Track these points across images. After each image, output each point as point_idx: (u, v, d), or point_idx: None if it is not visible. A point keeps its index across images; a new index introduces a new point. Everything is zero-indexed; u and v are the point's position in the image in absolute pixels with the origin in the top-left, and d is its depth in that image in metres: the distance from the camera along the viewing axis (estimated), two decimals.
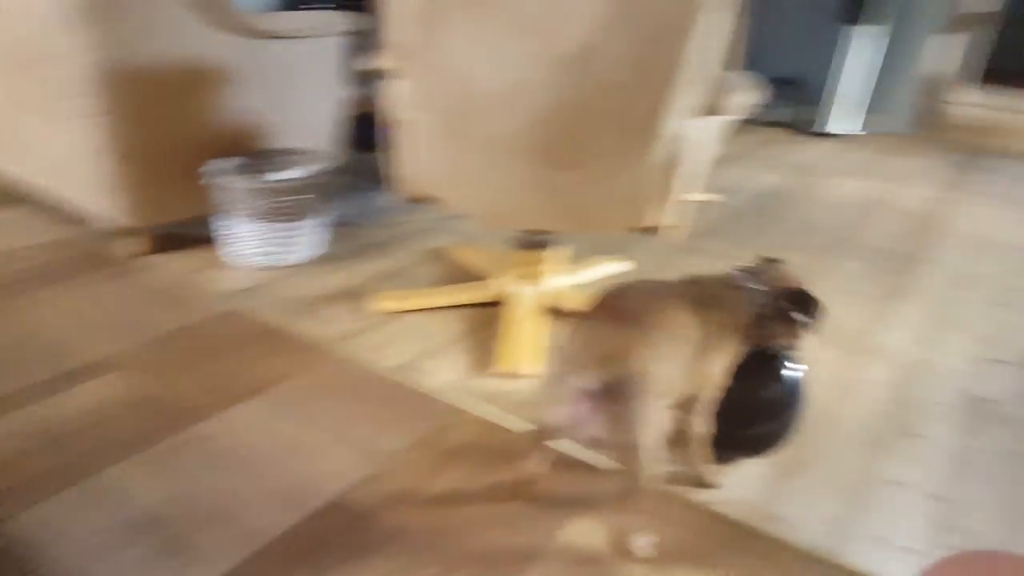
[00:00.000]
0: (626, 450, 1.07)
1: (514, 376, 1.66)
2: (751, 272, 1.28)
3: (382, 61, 1.57)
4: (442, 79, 1.50)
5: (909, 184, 3.52)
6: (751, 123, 4.56)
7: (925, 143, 4.44)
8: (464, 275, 2.13)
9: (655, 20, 1.33)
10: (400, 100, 1.60)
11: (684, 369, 1.17)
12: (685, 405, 1.27)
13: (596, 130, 1.45)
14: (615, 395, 1.03)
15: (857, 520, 1.32)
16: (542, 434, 1.24)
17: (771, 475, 1.42)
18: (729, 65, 1.43)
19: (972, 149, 4.42)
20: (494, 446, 1.43)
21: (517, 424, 1.49)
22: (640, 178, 1.51)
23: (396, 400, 1.55)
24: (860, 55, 4.23)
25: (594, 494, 1.32)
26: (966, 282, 2.41)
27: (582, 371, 1.04)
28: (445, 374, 1.66)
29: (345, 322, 1.83)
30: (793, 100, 4.63)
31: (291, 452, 1.37)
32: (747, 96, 1.57)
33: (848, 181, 3.49)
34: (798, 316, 1.25)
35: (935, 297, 2.28)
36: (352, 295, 1.97)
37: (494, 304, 1.95)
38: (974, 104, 6.08)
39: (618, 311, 1.11)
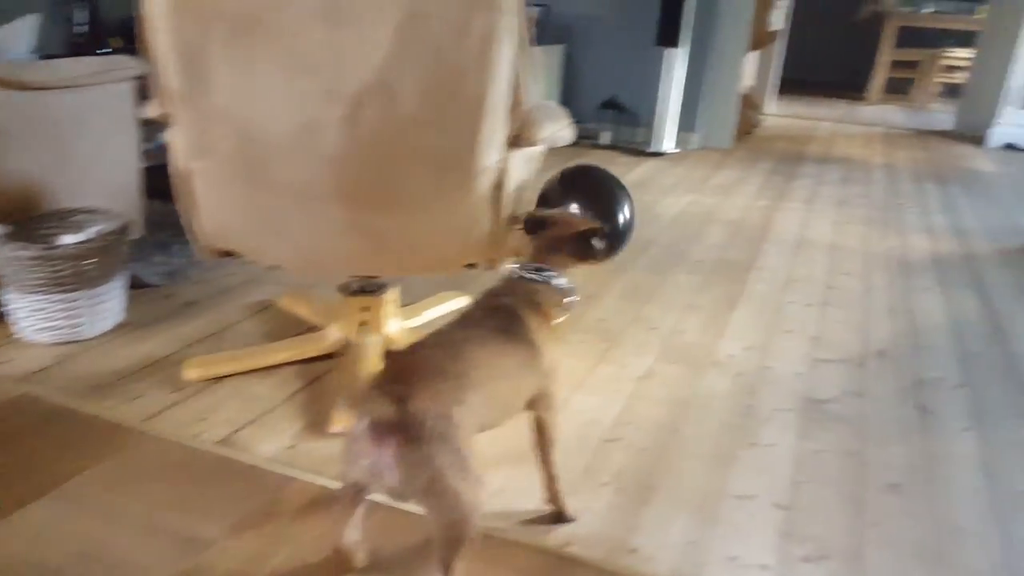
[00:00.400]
0: (436, 496, 1.02)
1: None
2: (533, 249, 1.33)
3: (151, 109, 1.44)
4: (217, 124, 1.38)
5: (731, 195, 3.69)
6: (582, 148, 4.66)
7: (741, 155, 4.69)
8: (297, 327, 1.99)
9: (446, 53, 1.28)
10: (178, 149, 1.47)
11: (503, 398, 1.17)
12: (534, 407, 1.27)
13: (408, 169, 1.38)
14: (410, 437, 1.00)
15: (710, 541, 1.30)
16: (349, 495, 1.14)
17: (622, 504, 1.38)
18: (535, 94, 1.40)
19: (779, 157, 4.71)
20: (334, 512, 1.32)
21: None
22: (465, 214, 1.45)
23: (219, 477, 1.40)
24: (679, 76, 4.42)
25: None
26: (791, 285, 2.52)
27: (371, 413, 1.01)
28: (277, 441, 1.52)
29: (158, 396, 1.66)
30: (621, 123, 4.77)
31: (91, 556, 1.20)
32: (558, 124, 1.54)
33: (677, 197, 3.60)
34: (594, 245, 1.32)
35: (765, 303, 2.36)
36: (166, 364, 1.79)
37: (331, 356, 1.83)
38: (777, 114, 6.52)
39: (411, 360, 1.10)
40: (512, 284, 1.28)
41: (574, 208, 1.40)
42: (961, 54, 7.24)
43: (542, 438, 1.30)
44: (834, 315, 2.29)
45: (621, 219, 1.50)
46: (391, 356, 1.13)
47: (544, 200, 1.49)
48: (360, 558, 1.20)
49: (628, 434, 1.61)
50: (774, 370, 1.92)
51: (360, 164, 1.37)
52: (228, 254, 1.62)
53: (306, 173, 1.39)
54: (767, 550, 1.29)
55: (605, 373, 1.86)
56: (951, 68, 7.63)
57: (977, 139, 5.78)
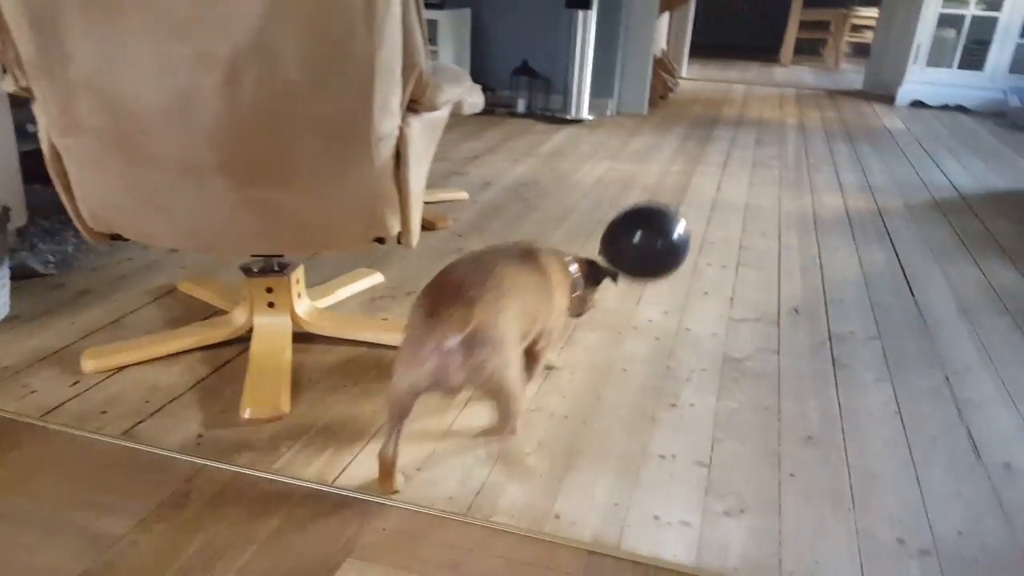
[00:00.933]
0: (494, 391, 1.19)
1: (266, 418, 1.48)
2: None
3: (7, 83, 1.33)
4: (83, 97, 1.28)
5: (648, 161, 3.70)
6: (498, 116, 4.60)
7: (657, 120, 4.72)
8: (202, 312, 1.91)
9: (329, 11, 1.19)
10: (44, 126, 1.36)
11: (530, 312, 1.32)
12: (537, 338, 1.44)
13: (297, 138, 1.30)
14: (472, 348, 1.13)
15: (632, 502, 1.30)
16: (405, 399, 1.24)
17: (545, 472, 1.36)
18: (440, 57, 1.35)
19: (695, 121, 4.76)
20: (248, 498, 1.26)
21: (274, 469, 1.33)
22: (366, 186, 1.39)
23: (125, 470, 1.33)
24: (590, 40, 4.39)
25: (361, 533, 1.19)
26: (707, 247, 2.54)
27: (436, 334, 1.14)
28: (185, 430, 1.45)
29: (54, 389, 1.56)
30: (535, 89, 4.73)
31: None
32: (461, 87, 1.50)
33: (595, 164, 3.60)
34: (600, 276, 1.63)
35: (683, 266, 2.37)
36: (61, 357, 1.68)
37: (240, 340, 1.75)
38: (691, 78, 6.59)
39: (454, 278, 1.23)
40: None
41: (637, 237, 1.74)
42: (869, 13, 7.44)
43: (530, 369, 1.48)
44: (749, 275, 2.32)
45: (677, 233, 1.78)
46: (439, 275, 1.26)
47: (609, 236, 1.75)
48: (400, 480, 1.31)
49: (550, 403, 1.59)
50: (692, 332, 1.93)
51: (244, 134, 1.28)
52: (118, 237, 1.53)
53: (186, 146, 1.29)
54: (689, 507, 1.29)
55: None
56: (860, 28, 7.83)
57: (886, 98, 5.95)
